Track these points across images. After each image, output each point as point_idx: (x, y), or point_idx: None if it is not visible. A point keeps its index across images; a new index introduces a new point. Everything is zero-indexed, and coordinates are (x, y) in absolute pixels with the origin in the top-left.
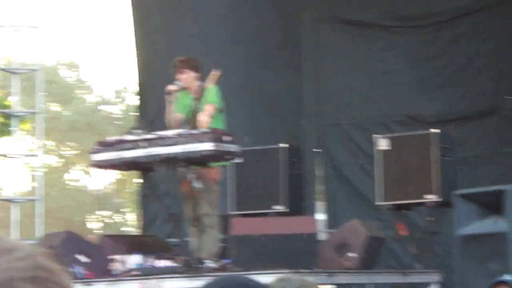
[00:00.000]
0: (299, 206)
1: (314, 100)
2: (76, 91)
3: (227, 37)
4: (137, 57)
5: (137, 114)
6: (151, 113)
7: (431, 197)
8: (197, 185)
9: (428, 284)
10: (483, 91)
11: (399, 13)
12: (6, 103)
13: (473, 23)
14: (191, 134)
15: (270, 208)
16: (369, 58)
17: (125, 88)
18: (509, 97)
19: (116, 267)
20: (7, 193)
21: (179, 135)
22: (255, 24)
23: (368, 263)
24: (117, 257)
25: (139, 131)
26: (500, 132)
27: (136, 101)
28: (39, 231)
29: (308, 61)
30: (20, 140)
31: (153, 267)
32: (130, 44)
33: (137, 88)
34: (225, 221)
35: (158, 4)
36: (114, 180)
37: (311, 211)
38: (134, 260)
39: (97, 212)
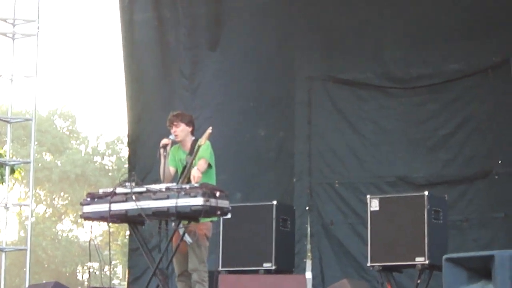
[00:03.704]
0: (288, 264)
1: (305, 158)
2: (70, 142)
3: (221, 93)
4: (129, 109)
5: (129, 166)
6: (143, 165)
7: (420, 260)
8: (188, 239)
9: None
10: (474, 155)
11: (393, 74)
12: None
13: (466, 87)
14: (182, 188)
15: (259, 266)
16: (362, 118)
17: (118, 139)
18: (500, 162)
19: None
20: None
21: (170, 189)
22: (249, 80)
23: None
24: None
25: (131, 184)
26: (489, 196)
27: (127, 153)
28: (27, 281)
29: (300, 118)
30: (11, 189)
31: None
32: (123, 96)
33: (128, 140)
34: (213, 277)
35: (152, 56)
36: (103, 232)
37: (301, 270)
38: None
39: (86, 264)
